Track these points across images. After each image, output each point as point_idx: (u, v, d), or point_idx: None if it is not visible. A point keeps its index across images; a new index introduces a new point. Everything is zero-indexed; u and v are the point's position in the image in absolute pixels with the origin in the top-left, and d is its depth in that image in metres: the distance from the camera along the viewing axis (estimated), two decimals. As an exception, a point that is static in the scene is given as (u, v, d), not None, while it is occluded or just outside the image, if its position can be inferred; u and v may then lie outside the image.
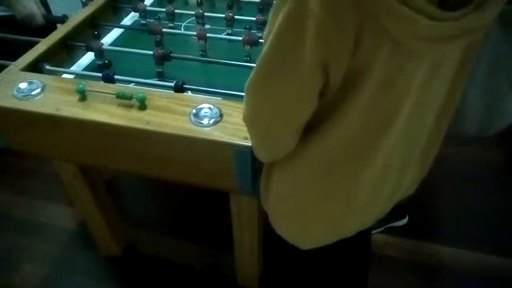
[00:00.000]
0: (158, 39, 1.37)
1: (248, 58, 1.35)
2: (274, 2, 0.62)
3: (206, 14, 1.54)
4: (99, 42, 1.38)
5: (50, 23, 1.64)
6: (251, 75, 0.71)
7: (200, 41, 1.40)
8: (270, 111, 0.73)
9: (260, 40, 1.33)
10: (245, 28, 1.44)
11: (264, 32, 0.67)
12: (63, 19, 1.54)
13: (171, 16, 1.57)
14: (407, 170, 0.89)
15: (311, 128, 0.76)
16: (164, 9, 1.58)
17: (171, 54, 1.31)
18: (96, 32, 1.43)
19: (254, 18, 1.48)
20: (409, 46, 0.60)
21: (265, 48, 0.66)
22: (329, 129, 0.73)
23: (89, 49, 1.38)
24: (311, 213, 0.89)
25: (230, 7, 1.55)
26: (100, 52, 1.36)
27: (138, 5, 1.59)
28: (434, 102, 0.78)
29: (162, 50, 1.30)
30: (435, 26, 0.56)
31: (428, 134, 0.85)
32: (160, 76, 1.33)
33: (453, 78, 0.76)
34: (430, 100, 0.76)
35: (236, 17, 1.52)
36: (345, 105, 0.69)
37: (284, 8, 0.59)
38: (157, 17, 1.58)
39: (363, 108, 0.69)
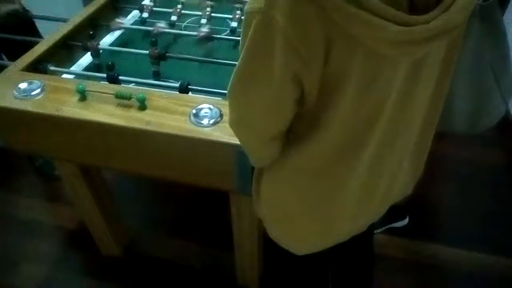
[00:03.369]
0: (154, 39, 1.37)
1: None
2: (244, 15, 0.63)
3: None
4: (95, 42, 1.38)
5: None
6: (229, 85, 0.72)
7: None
8: (246, 120, 0.75)
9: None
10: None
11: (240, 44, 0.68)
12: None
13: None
14: (398, 172, 0.89)
15: (297, 135, 0.77)
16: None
17: (167, 54, 1.31)
18: (91, 32, 1.43)
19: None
20: (381, 51, 0.60)
21: (239, 60, 0.67)
22: (314, 136, 0.74)
23: (85, 49, 1.37)
24: (300, 218, 0.90)
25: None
26: (96, 52, 1.36)
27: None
28: (420, 103, 0.79)
29: (158, 50, 1.30)
30: (405, 31, 0.56)
31: (417, 135, 0.86)
32: (156, 75, 1.33)
33: (438, 77, 0.77)
34: (416, 101, 0.76)
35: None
36: (327, 111, 0.69)
37: (254, 21, 0.60)
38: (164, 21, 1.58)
39: (345, 114, 0.69)
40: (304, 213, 0.88)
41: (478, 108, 0.92)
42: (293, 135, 0.78)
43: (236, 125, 0.78)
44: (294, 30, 0.58)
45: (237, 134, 0.81)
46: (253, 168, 1.00)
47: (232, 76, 0.70)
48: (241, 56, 0.66)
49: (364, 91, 0.66)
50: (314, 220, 0.89)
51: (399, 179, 0.91)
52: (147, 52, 1.31)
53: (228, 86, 0.72)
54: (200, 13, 1.57)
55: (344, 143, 0.75)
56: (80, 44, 1.38)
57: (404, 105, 0.74)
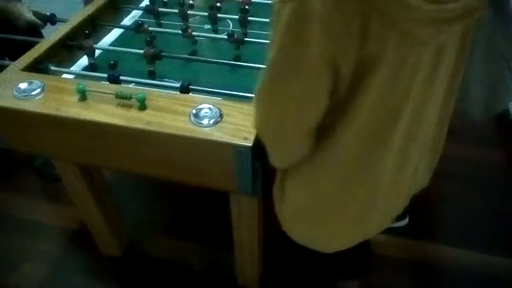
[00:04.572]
0: (148, 39, 1.37)
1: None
2: (274, 7, 0.62)
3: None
4: (90, 41, 1.37)
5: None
6: (259, 83, 0.71)
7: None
8: (280, 116, 0.73)
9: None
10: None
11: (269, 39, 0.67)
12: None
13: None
14: (420, 162, 0.90)
15: (325, 131, 0.76)
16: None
17: (162, 53, 1.31)
18: (87, 32, 1.42)
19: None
20: (415, 34, 0.61)
21: (270, 54, 0.66)
22: (342, 129, 0.74)
23: (80, 48, 1.37)
24: (335, 217, 0.89)
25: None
26: (91, 52, 1.35)
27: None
28: (439, 94, 0.79)
29: (153, 50, 1.30)
30: (438, 9, 0.58)
31: (436, 122, 0.86)
32: (152, 75, 1.32)
33: (454, 65, 0.77)
34: (436, 92, 0.77)
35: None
36: (356, 100, 0.69)
37: (284, 11, 0.60)
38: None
39: (372, 103, 0.69)
40: (336, 213, 0.88)
41: (493, 94, 0.94)
42: (322, 131, 0.77)
43: (266, 126, 0.77)
44: (333, 14, 0.58)
45: (265, 133, 0.80)
46: (253, 168, 1.00)
47: (263, 74, 0.69)
48: (273, 51, 0.65)
49: (390, 80, 0.67)
50: (347, 219, 0.89)
51: (420, 170, 0.92)
52: (141, 51, 1.31)
53: (258, 86, 0.71)
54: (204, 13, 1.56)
55: (373, 134, 0.75)
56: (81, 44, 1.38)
57: (425, 96, 0.75)
